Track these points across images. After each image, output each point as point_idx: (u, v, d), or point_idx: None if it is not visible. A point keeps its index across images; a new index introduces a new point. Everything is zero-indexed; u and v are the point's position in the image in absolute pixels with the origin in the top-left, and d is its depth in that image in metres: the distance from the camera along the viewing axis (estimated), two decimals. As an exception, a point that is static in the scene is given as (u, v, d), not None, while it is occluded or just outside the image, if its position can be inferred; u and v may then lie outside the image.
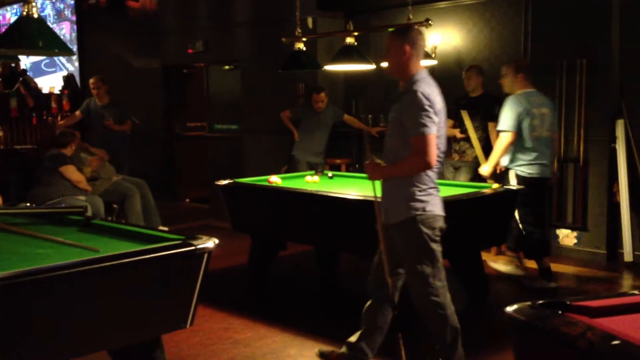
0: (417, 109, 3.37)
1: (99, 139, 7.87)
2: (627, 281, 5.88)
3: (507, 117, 5.52)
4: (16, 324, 2.46)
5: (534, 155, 5.52)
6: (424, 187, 3.49)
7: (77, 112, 8.22)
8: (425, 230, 3.48)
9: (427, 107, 3.37)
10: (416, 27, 3.61)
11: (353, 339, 3.83)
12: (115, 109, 7.97)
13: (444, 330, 3.56)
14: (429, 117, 3.36)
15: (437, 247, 3.55)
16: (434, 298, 3.52)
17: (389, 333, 3.75)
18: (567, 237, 6.61)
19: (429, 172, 3.49)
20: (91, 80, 8.01)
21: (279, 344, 4.34)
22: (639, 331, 2.00)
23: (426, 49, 6.46)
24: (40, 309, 2.52)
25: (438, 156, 3.46)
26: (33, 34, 3.16)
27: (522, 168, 5.55)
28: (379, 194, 3.72)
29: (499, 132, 5.61)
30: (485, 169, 5.69)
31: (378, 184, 3.72)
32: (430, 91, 3.45)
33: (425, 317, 3.57)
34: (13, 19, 11.23)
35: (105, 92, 7.97)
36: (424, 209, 3.47)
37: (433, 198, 3.53)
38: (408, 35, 3.53)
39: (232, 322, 4.73)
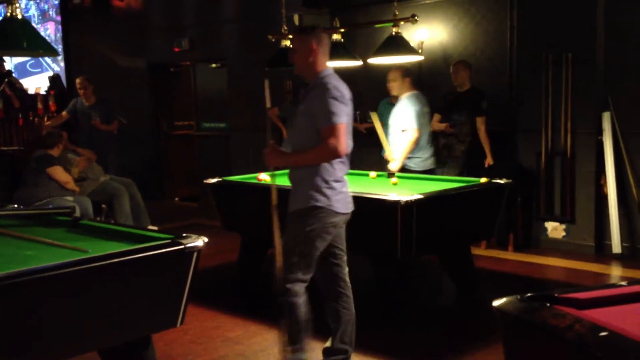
0: (327, 99, 3.42)
1: (86, 139, 7.82)
2: (615, 272, 5.92)
3: (410, 115, 5.80)
4: (5, 326, 2.45)
5: (425, 150, 6.02)
6: (330, 179, 3.52)
7: (64, 113, 8.17)
8: (316, 224, 3.50)
9: (337, 97, 3.44)
10: (322, 30, 3.71)
11: (328, 344, 3.83)
12: (102, 108, 7.94)
13: (291, 318, 3.60)
14: (339, 107, 3.43)
15: (320, 244, 3.55)
16: (291, 286, 3.57)
17: (335, 323, 3.73)
18: (555, 229, 6.65)
19: (337, 166, 3.53)
20: (77, 81, 7.97)
21: (269, 341, 4.34)
22: (627, 322, 2.02)
23: (413, 45, 6.50)
24: (30, 310, 2.51)
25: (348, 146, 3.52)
26: (17, 35, 3.14)
27: (416, 162, 5.99)
28: (277, 182, 3.80)
29: (403, 131, 5.82)
30: (394, 165, 5.75)
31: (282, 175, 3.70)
32: (339, 84, 3.54)
33: (282, 300, 3.63)
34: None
35: (92, 92, 7.93)
36: (323, 202, 3.50)
37: (336, 193, 3.54)
38: (314, 34, 3.61)
39: (222, 321, 4.72)
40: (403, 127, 5.82)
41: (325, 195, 3.50)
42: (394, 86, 6.09)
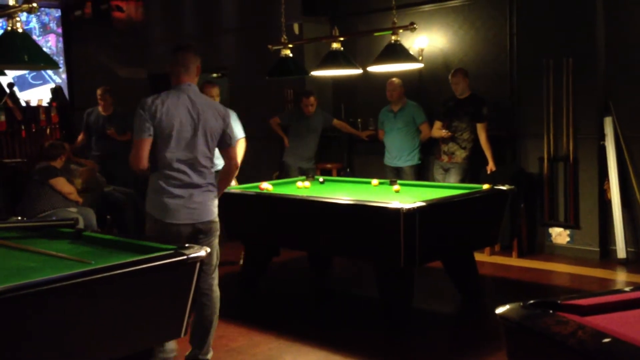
0: (135, 115, 3.72)
1: (97, 146, 7.91)
2: (620, 278, 5.90)
3: None
4: (7, 339, 2.45)
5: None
6: (159, 191, 3.73)
7: (80, 136, 8.20)
8: (150, 232, 3.77)
9: (140, 113, 3.69)
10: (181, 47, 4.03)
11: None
12: (119, 119, 7.98)
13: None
14: (138, 123, 3.68)
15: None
16: None
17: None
18: (559, 235, 6.64)
19: (167, 178, 3.70)
20: (99, 92, 8.00)
21: (274, 350, 4.33)
22: (630, 328, 2.01)
23: (413, 52, 6.51)
24: (33, 323, 2.51)
25: (180, 160, 3.69)
26: (18, 49, 3.16)
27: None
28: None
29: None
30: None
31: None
32: (162, 100, 3.76)
33: None
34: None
35: (111, 103, 8.03)
36: (155, 214, 3.74)
37: (164, 206, 3.71)
38: (174, 53, 3.94)
39: (226, 330, 4.72)
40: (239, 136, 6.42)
41: (153, 206, 3.76)
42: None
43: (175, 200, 3.72)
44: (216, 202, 3.88)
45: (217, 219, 3.87)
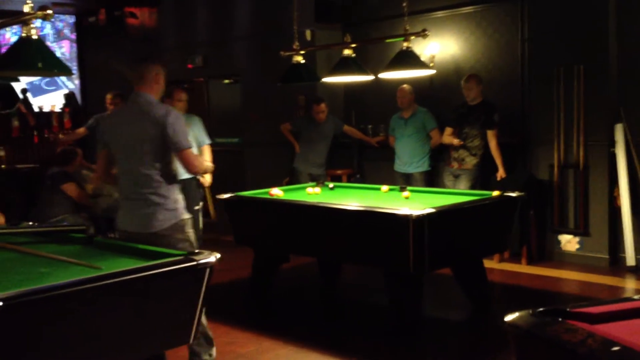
0: None
1: None
2: (630, 285, 5.87)
3: None
4: (20, 343, 2.47)
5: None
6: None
7: (82, 130, 8.17)
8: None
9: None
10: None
11: None
12: None
13: None
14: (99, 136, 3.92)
15: None
16: None
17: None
18: (569, 242, 6.61)
19: (121, 185, 3.89)
20: (109, 96, 7.89)
21: (282, 357, 4.34)
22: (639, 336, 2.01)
23: (424, 59, 6.52)
24: (44, 327, 2.53)
25: (124, 171, 3.83)
26: (32, 56, 3.20)
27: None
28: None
29: None
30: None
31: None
32: (113, 113, 4.07)
33: None
34: (13, 38, 11.29)
35: None
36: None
37: (120, 209, 3.91)
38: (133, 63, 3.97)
39: (235, 336, 4.73)
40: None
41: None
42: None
43: (122, 210, 3.88)
44: (162, 213, 3.75)
45: (164, 231, 3.73)
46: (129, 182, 3.81)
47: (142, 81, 3.81)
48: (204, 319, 3.83)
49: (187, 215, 3.87)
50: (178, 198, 3.85)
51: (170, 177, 3.81)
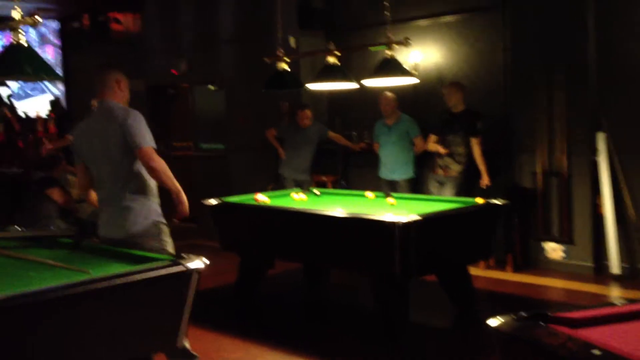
0: None
1: None
2: (614, 293, 5.90)
3: None
4: (6, 347, 2.47)
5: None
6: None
7: (69, 136, 8.14)
8: None
9: None
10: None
11: None
12: None
13: None
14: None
15: None
16: None
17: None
18: (554, 250, 6.65)
19: (97, 193, 3.97)
20: (94, 102, 7.87)
21: (269, 362, 4.35)
22: (619, 340, 2.06)
23: (408, 66, 6.58)
24: (32, 331, 2.54)
25: (98, 177, 3.89)
26: (21, 61, 3.21)
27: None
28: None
29: None
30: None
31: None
32: (79, 125, 4.05)
33: None
34: (-1, 43, 11.24)
35: None
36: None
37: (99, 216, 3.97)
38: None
39: (222, 342, 4.74)
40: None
41: None
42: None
43: (100, 216, 3.94)
44: (136, 217, 3.78)
45: (139, 234, 3.76)
46: (104, 189, 3.87)
47: (105, 89, 3.90)
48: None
49: (161, 220, 3.90)
50: (153, 201, 3.89)
51: (143, 182, 3.83)
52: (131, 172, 3.78)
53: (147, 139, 3.73)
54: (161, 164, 3.74)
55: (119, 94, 3.94)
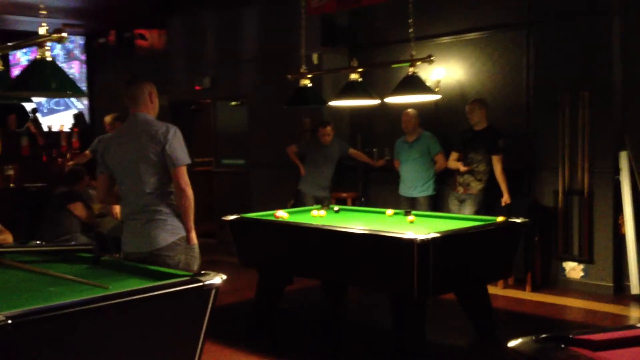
0: None
1: None
2: (634, 314, 5.85)
3: None
4: (26, 362, 2.49)
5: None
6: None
7: (87, 152, 8.23)
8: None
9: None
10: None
11: None
12: None
13: None
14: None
15: None
16: None
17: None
18: (573, 269, 6.60)
19: (122, 207, 4.01)
20: (108, 119, 7.90)
21: (286, 379, 4.34)
22: (641, 364, 2.03)
23: (430, 83, 6.58)
24: (51, 346, 2.55)
25: (125, 190, 3.91)
26: (46, 77, 3.26)
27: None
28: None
29: None
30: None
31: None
32: (107, 137, 4.21)
33: None
34: (23, 58, 11.43)
35: None
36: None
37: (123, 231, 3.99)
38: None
39: (239, 359, 4.73)
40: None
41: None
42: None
43: (124, 231, 3.94)
44: (164, 231, 3.78)
45: (165, 249, 3.77)
46: (129, 203, 3.87)
47: (136, 102, 3.93)
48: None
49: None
50: (177, 219, 3.85)
51: (170, 197, 3.83)
52: (159, 187, 3.80)
53: (185, 158, 3.82)
54: (190, 192, 3.82)
55: (151, 107, 3.99)
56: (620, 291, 6.31)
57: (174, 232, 3.81)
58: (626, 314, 5.80)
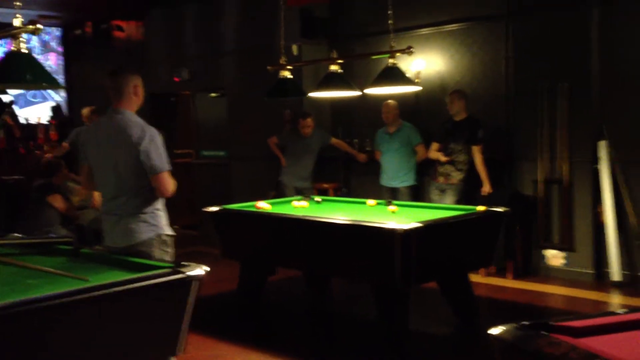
0: None
1: None
2: (615, 300, 5.91)
3: None
4: (4, 355, 2.46)
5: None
6: None
7: (65, 144, 8.16)
8: None
9: None
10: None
11: None
12: None
13: None
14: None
15: None
16: None
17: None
18: (554, 257, 6.66)
19: (102, 200, 3.96)
20: (85, 112, 7.84)
21: (269, 370, 4.33)
22: (623, 350, 2.04)
23: (410, 75, 6.59)
24: (30, 339, 2.53)
25: (102, 187, 3.87)
26: (22, 69, 3.21)
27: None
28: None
29: None
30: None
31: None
32: (87, 129, 4.24)
33: None
34: (0, 50, 11.26)
35: None
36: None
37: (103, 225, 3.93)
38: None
39: (222, 350, 4.72)
40: None
41: None
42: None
43: (103, 225, 3.89)
44: (143, 227, 3.73)
45: (141, 244, 3.72)
46: (108, 197, 3.82)
47: (120, 95, 3.74)
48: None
49: (168, 232, 3.83)
50: (158, 212, 3.80)
51: (150, 191, 3.75)
52: (137, 185, 3.70)
53: (163, 164, 3.65)
54: (171, 194, 3.76)
55: (134, 101, 3.79)
56: (600, 278, 6.39)
57: (151, 228, 3.76)
58: (606, 301, 5.87)
